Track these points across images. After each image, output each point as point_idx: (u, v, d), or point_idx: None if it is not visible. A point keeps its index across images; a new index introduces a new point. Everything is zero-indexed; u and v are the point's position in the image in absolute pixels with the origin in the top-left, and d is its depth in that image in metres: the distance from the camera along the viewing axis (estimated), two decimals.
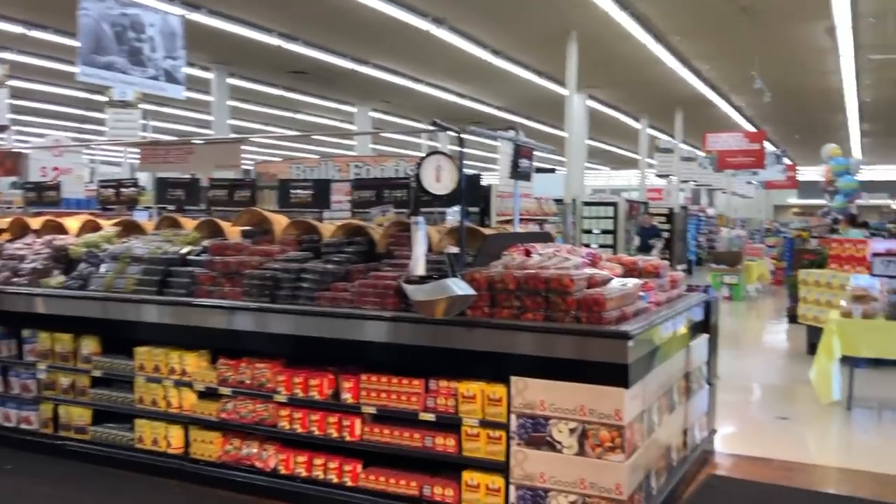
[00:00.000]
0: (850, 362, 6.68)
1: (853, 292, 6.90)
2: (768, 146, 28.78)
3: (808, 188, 41.37)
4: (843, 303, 6.88)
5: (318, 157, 17.30)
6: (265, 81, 20.43)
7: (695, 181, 26.70)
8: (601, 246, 18.48)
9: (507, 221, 14.60)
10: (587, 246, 18.78)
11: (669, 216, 23.62)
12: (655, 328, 3.96)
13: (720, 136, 21.63)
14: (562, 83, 19.91)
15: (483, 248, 4.32)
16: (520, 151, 5.04)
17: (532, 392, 3.70)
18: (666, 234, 23.26)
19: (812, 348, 8.82)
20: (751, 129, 24.79)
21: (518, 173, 5.11)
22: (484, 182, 16.36)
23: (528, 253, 4.56)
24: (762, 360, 9.78)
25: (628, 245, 17.97)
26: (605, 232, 18.57)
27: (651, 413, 3.93)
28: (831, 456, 5.67)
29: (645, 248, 15.55)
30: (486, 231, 4.59)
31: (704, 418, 5.13)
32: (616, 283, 4.15)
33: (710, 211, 32.51)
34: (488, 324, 3.85)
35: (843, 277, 8.72)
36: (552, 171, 26.13)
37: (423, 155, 4.09)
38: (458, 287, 3.73)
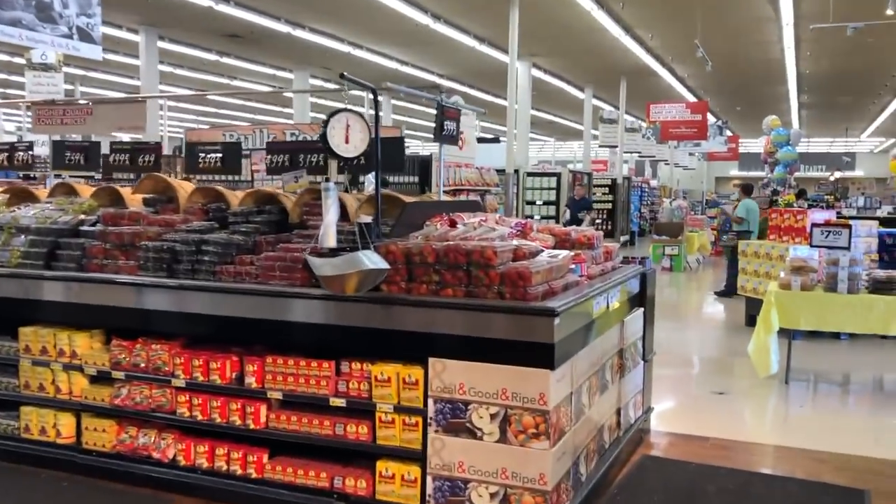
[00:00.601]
0: (787, 334, 6.55)
1: (792, 263, 6.76)
2: (710, 118, 28.95)
3: (748, 160, 42.07)
4: (781, 274, 6.74)
5: (250, 124, 16.64)
6: (198, 45, 19.56)
7: (639, 152, 26.74)
8: (544, 217, 18.32)
9: (450, 192, 14.28)
10: (530, 217, 18.59)
11: (612, 187, 23.60)
12: (586, 303, 3.67)
13: (663, 106, 21.60)
14: (505, 50, 19.54)
15: (402, 218, 3.96)
16: (444, 112, 4.67)
17: (451, 374, 3.38)
18: (609, 206, 23.33)
19: (751, 320, 8.75)
20: (694, 100, 24.81)
21: (443, 136, 4.74)
22: (425, 151, 16.01)
23: (452, 223, 4.22)
24: (700, 332, 9.70)
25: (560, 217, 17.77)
26: (547, 203, 18.39)
27: (580, 394, 3.65)
28: (768, 433, 5.52)
29: (575, 221, 15.03)
30: (407, 199, 4.22)
31: (639, 396, 4.90)
32: (545, 255, 3.84)
33: (654, 182, 32.76)
34: (404, 301, 3.51)
35: (782, 248, 8.64)
36: (496, 140, 25.90)
37: (328, 114, 3.68)
38: (371, 260, 3.37)
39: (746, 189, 13.03)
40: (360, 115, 3.65)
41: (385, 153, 3.96)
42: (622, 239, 23.81)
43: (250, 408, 3.82)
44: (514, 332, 3.28)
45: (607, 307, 4.06)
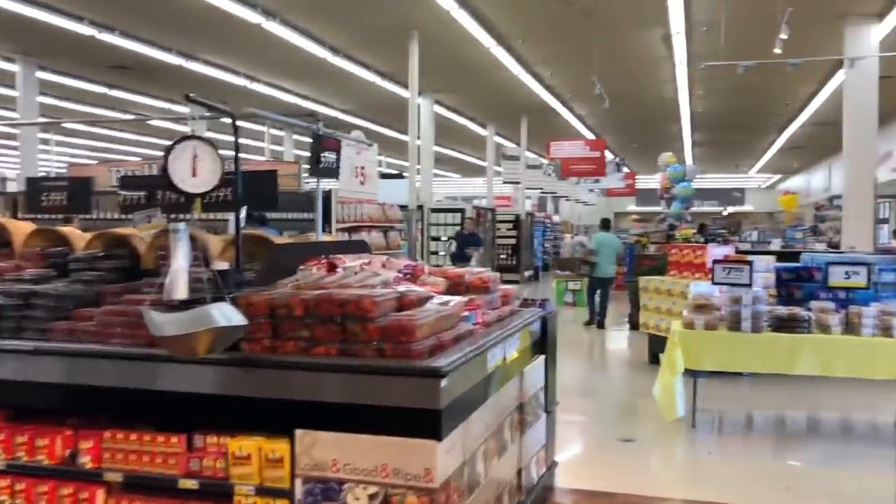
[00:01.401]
0: (692, 375, 6.34)
1: (694, 301, 6.59)
2: (608, 155, 29.58)
3: (645, 196, 43.23)
4: (684, 312, 6.55)
5: (141, 159, 15.71)
6: (82, 77, 18.49)
7: (541, 189, 26.95)
8: (448, 253, 18.02)
9: (350, 229, 13.77)
10: (434, 254, 18.28)
11: (516, 223, 23.63)
12: (479, 357, 3.26)
13: (563, 143, 21.83)
14: (407, 86, 19.32)
15: (270, 262, 3.45)
16: (321, 143, 4.22)
17: (322, 449, 2.87)
18: (513, 241, 23.31)
19: (654, 357, 8.58)
20: (592, 137, 25.26)
21: (321, 169, 4.28)
22: (326, 186, 15.46)
23: (331, 267, 3.75)
24: (604, 371, 9.50)
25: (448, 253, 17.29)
26: (453, 239, 18.10)
27: (475, 463, 3.21)
28: (678, 484, 5.22)
29: (461, 256, 14.37)
30: (278, 240, 3.72)
31: (543, 452, 4.51)
32: (435, 302, 3.41)
33: (556, 218, 33.17)
34: (267, 362, 3.00)
35: (683, 284, 8.53)
36: (400, 176, 25.56)
37: (172, 141, 3.15)
38: (224, 315, 2.85)
39: (604, 224, 14.33)
40: (210, 143, 3.14)
41: (254, 188, 3.46)
42: (526, 274, 23.81)
43: (84, 493, 3.19)
44: (395, 397, 2.81)
45: (505, 358, 3.66)
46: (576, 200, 33.48)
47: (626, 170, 33.08)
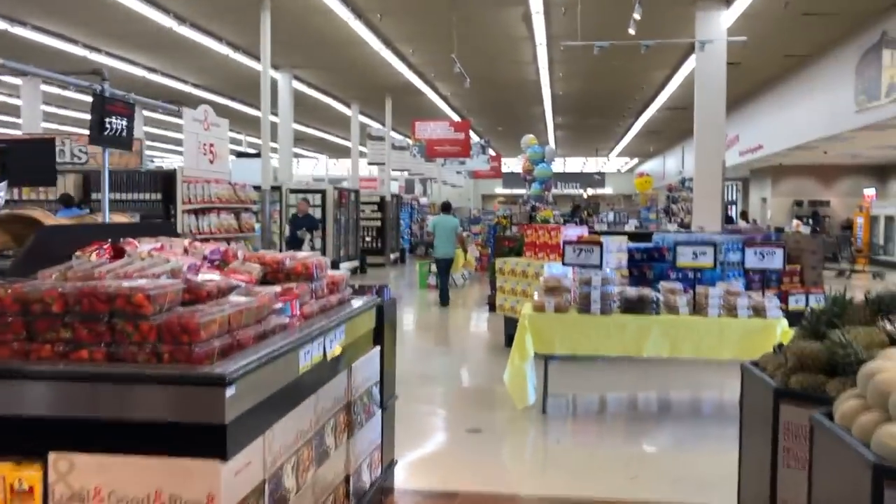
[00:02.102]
0: (543, 359, 6.16)
1: (546, 283, 6.40)
2: (474, 137, 29.67)
3: (511, 178, 43.96)
4: (535, 295, 6.35)
5: None
6: None
7: (408, 170, 26.64)
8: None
9: (198, 211, 12.89)
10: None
11: (381, 205, 23.19)
12: (287, 357, 2.81)
13: (428, 124, 21.60)
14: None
15: (33, 247, 2.86)
16: (105, 106, 3.61)
17: (82, 475, 2.35)
18: (378, 223, 22.86)
19: (510, 340, 8.41)
20: (458, 119, 25.16)
21: (106, 137, 3.67)
22: (169, 165, 14.45)
23: (119, 253, 3.18)
24: (460, 356, 9.25)
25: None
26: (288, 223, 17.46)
27: (281, 479, 2.77)
28: (525, 479, 4.96)
29: (295, 241, 13.51)
30: (49, 220, 3.12)
31: (378, 452, 4.12)
32: (238, 294, 2.93)
33: (424, 200, 32.95)
34: (13, 371, 2.43)
35: (538, 266, 8.40)
36: (258, 155, 24.50)
37: None
38: None
39: (444, 206, 14.73)
40: None
41: (25, 160, 2.85)
42: (392, 257, 23.46)
43: None
44: (170, 411, 2.32)
45: (325, 354, 3.23)
46: (443, 182, 33.47)
47: (491, 152, 33.34)
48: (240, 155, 22.37)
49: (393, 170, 27.43)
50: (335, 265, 16.79)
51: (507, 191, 45.47)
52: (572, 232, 8.67)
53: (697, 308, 6.00)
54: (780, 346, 3.49)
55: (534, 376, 6.01)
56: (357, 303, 3.92)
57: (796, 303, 9.26)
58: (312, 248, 14.65)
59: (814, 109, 17.72)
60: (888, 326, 3.01)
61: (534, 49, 16.31)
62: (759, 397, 3.27)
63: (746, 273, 8.55)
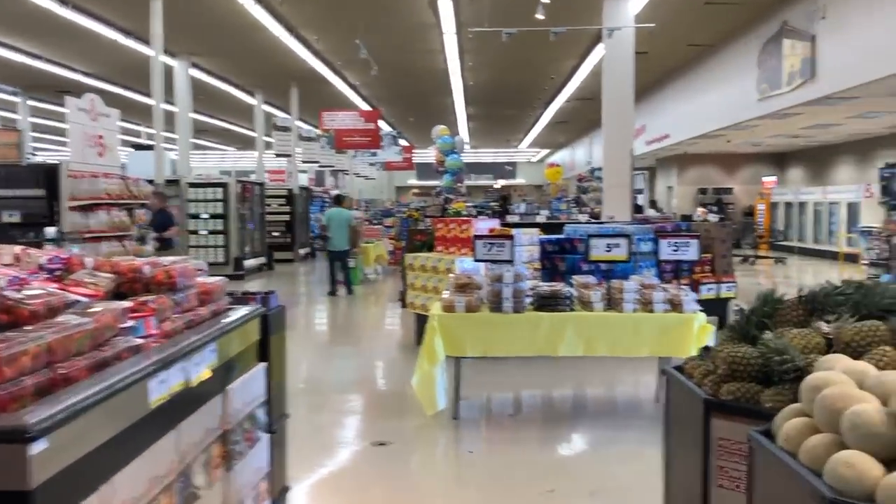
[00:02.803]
0: (453, 361, 5.77)
1: (456, 281, 6.01)
2: (385, 127, 29.12)
3: (425, 170, 43.60)
4: (445, 293, 5.95)
5: None
6: None
7: (318, 162, 25.88)
8: (212, 232, 16.51)
9: (86, 207, 11.93)
10: (194, 233, 16.65)
11: (289, 198, 22.41)
12: (130, 391, 2.29)
13: (337, 114, 20.90)
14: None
15: None
16: None
17: None
18: (286, 217, 22.06)
19: (421, 338, 8.02)
20: (368, 108, 24.55)
21: None
22: (52, 159, 13.40)
23: None
24: (368, 357, 8.79)
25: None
26: (215, 217, 16.58)
27: None
28: (437, 497, 4.55)
29: (166, 245, 11.67)
30: None
31: (266, 482, 3.63)
32: (72, 313, 2.39)
33: (334, 192, 32.22)
34: None
35: (449, 261, 8.02)
36: (150, 147, 23.25)
37: None
38: None
39: (337, 199, 15.22)
40: None
41: None
42: (302, 252, 22.72)
43: None
44: None
45: (188, 381, 2.72)
46: (355, 174, 32.80)
47: (404, 143, 32.88)
48: (138, 147, 21.13)
49: (303, 162, 26.62)
50: (239, 263, 15.90)
51: (422, 182, 45.10)
52: (483, 225, 8.34)
53: (612, 303, 5.73)
54: (707, 349, 3.19)
55: (444, 380, 5.62)
56: (236, 314, 3.41)
57: (708, 291, 9.20)
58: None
59: (718, 99, 17.99)
60: (824, 328, 2.71)
61: (441, 37, 15.90)
62: (687, 409, 2.95)
63: (659, 264, 8.42)
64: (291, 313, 11.72)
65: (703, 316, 5.58)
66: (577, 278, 6.11)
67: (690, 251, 5.92)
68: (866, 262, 17.52)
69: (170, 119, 16.71)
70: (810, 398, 2.10)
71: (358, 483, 4.57)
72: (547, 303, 5.65)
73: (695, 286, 8.51)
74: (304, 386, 6.87)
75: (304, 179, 34.72)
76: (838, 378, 2.14)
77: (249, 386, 3.42)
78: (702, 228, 10.44)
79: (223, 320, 3.25)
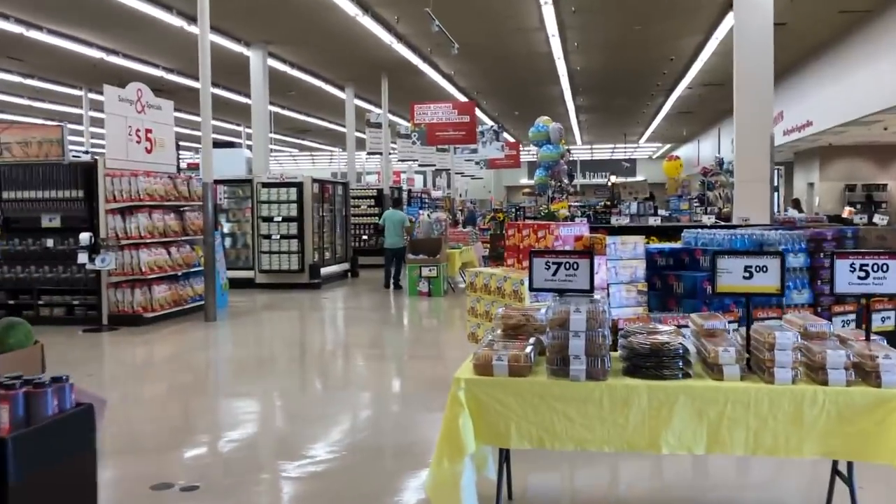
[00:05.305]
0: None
1: (505, 320, 3.91)
2: (485, 120, 27.13)
3: (536, 168, 41.33)
4: (484, 340, 3.82)
5: None
6: None
7: (415, 160, 24.21)
8: (283, 237, 15.01)
9: (124, 210, 10.64)
10: (267, 238, 15.22)
11: (379, 199, 20.84)
12: None
13: (429, 107, 19.04)
14: (235, 37, 16.21)
15: None
16: None
17: None
18: (376, 220, 20.43)
19: None
20: (464, 100, 22.62)
21: None
22: (89, 157, 12.23)
23: None
24: (397, 415, 6.73)
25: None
26: (287, 220, 15.07)
27: None
28: None
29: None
30: None
31: None
32: None
33: (437, 193, 30.47)
34: None
35: (517, 280, 5.90)
36: (231, 145, 22.16)
37: None
38: None
39: (395, 201, 16.37)
40: None
41: None
42: None
43: None
44: None
45: None
46: (461, 174, 31.00)
47: (508, 138, 30.76)
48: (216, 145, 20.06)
49: (399, 160, 25.05)
50: (315, 270, 13.99)
51: (532, 181, 42.79)
52: (566, 231, 6.17)
53: (755, 365, 3.48)
54: None
55: (473, 485, 3.54)
56: None
57: (882, 322, 6.59)
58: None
59: (874, 77, 14.88)
60: None
61: (540, 9, 13.70)
62: None
63: (813, 283, 6.01)
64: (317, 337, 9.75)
65: None
66: (697, 318, 3.88)
67: (889, 281, 3.56)
68: None
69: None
70: None
71: None
72: (644, 364, 3.46)
73: (864, 314, 5.99)
74: (291, 443, 4.98)
75: (419, 181, 33.15)
76: None
77: None
78: (872, 234, 7.84)
79: None
